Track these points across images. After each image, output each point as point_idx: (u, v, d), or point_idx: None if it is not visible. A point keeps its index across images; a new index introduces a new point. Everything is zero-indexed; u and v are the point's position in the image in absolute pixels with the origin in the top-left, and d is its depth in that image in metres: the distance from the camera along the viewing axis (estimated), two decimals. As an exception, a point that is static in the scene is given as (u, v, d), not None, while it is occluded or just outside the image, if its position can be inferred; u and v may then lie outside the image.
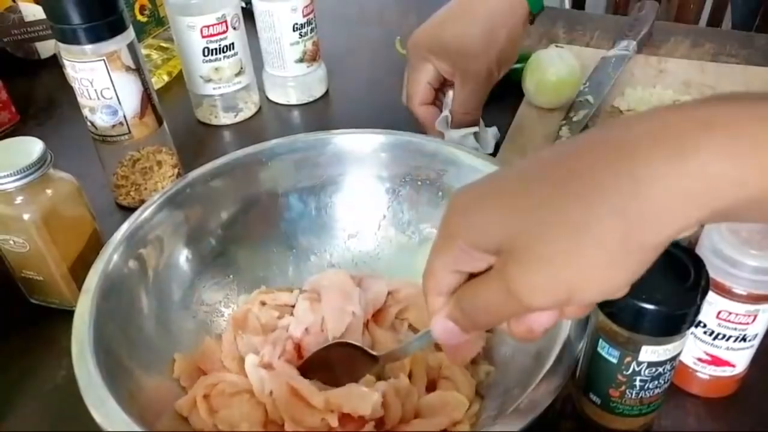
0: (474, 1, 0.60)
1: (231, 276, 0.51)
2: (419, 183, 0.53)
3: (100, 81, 0.55)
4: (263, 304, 0.49)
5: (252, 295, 0.51)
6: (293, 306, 0.49)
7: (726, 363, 0.42)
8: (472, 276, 0.30)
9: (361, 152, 0.54)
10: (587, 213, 0.25)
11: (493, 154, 0.64)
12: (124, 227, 0.46)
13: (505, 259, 0.27)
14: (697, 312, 0.35)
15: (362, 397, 0.40)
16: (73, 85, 0.57)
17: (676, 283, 0.35)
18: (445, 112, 0.62)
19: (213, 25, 0.69)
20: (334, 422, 0.40)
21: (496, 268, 0.28)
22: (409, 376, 0.44)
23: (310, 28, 0.74)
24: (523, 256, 0.26)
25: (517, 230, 0.26)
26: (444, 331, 0.32)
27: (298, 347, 0.46)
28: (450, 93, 0.62)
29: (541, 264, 0.26)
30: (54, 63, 0.86)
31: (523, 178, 0.27)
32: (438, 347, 0.45)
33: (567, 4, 1.53)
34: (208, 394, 0.43)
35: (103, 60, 0.54)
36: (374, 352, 0.43)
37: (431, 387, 0.44)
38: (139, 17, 0.82)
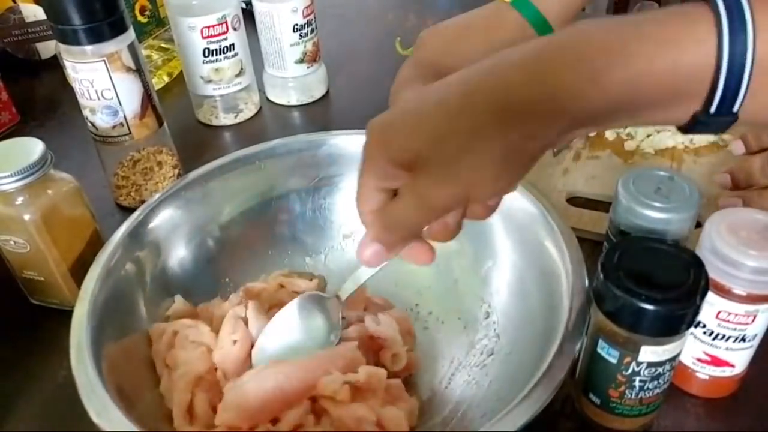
0: (490, 25, 0.53)
1: (227, 279, 0.51)
2: (418, 183, 0.53)
3: (101, 81, 0.55)
4: (281, 286, 0.50)
5: (272, 275, 0.51)
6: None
7: (725, 363, 0.42)
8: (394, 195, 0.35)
9: (360, 153, 0.54)
10: (478, 133, 0.31)
11: None
12: (124, 227, 0.46)
13: (416, 172, 0.32)
14: (697, 312, 0.35)
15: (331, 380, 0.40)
16: (73, 85, 0.57)
17: (675, 283, 0.35)
18: None
19: (213, 26, 0.69)
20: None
21: (407, 183, 0.33)
22: None
23: (310, 29, 0.74)
24: (429, 166, 0.31)
25: (425, 146, 0.31)
26: (369, 253, 0.36)
27: None
28: None
29: (444, 170, 0.31)
30: (54, 64, 0.86)
31: (426, 106, 0.32)
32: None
33: (567, 5, 1.53)
34: (177, 332, 0.44)
35: (104, 61, 0.54)
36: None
37: None
38: (140, 18, 0.83)
